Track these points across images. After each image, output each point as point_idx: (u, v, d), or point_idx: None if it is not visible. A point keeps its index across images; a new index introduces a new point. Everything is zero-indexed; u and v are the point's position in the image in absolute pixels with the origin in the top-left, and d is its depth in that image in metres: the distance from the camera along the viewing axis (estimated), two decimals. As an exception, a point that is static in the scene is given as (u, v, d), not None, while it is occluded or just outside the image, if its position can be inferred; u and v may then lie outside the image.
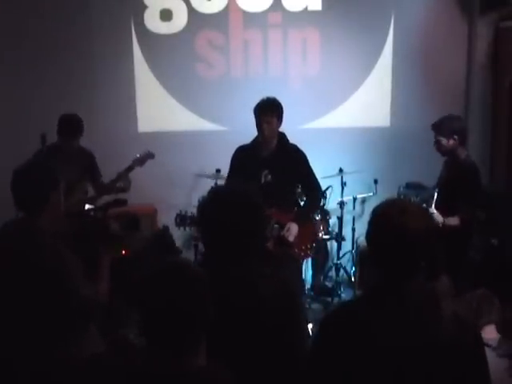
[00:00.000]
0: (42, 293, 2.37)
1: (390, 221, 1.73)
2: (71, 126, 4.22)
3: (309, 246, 4.11)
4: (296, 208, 4.17)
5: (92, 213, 3.97)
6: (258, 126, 3.92)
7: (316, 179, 4.14)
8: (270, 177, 3.96)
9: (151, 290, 1.59)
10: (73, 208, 3.91)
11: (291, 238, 3.89)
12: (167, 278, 1.59)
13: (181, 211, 4.27)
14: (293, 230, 3.91)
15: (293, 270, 3.99)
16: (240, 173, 3.94)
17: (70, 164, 4.16)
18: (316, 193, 4.22)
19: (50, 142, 4.26)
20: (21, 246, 2.44)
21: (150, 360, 1.58)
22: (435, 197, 3.77)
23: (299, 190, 4.24)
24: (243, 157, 4.05)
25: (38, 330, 2.39)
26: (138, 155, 4.52)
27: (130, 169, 4.44)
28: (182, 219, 4.29)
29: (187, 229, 4.28)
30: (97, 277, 2.59)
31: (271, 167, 3.96)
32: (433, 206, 3.72)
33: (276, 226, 3.91)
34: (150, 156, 4.55)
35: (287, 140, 4.07)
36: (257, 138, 4.03)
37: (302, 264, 4.37)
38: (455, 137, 3.79)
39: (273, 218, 3.85)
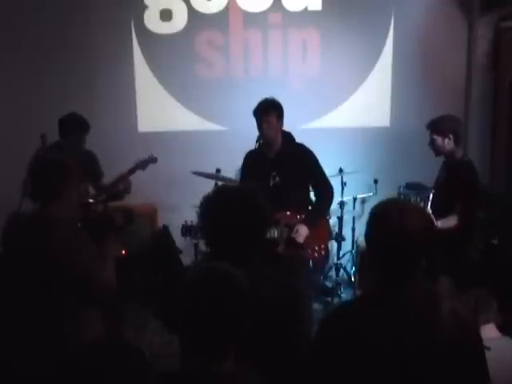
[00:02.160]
0: (55, 279, 2.46)
1: (388, 221, 1.73)
2: (78, 125, 4.23)
3: (323, 246, 4.01)
4: (309, 208, 4.05)
5: (93, 206, 4.00)
6: (259, 126, 3.92)
7: (325, 177, 4.04)
8: (277, 179, 3.91)
9: (192, 292, 1.60)
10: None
11: (300, 240, 3.84)
12: (208, 282, 1.60)
13: (186, 222, 4.31)
14: (301, 231, 3.84)
15: (300, 271, 3.88)
16: (250, 177, 3.90)
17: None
18: (326, 192, 4.06)
19: (48, 143, 4.26)
20: (34, 233, 2.53)
21: (182, 361, 1.59)
22: (430, 198, 3.78)
23: (309, 190, 4.15)
24: (251, 161, 4.03)
25: (51, 314, 2.49)
26: (140, 159, 4.52)
27: (131, 171, 4.44)
28: (187, 230, 4.32)
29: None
30: (103, 267, 2.66)
31: (278, 168, 3.91)
32: (428, 207, 3.72)
33: (285, 228, 3.86)
34: (152, 160, 4.57)
35: (293, 139, 4.02)
36: (260, 140, 4.02)
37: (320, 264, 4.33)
38: (450, 136, 3.80)
39: (281, 221, 3.82)
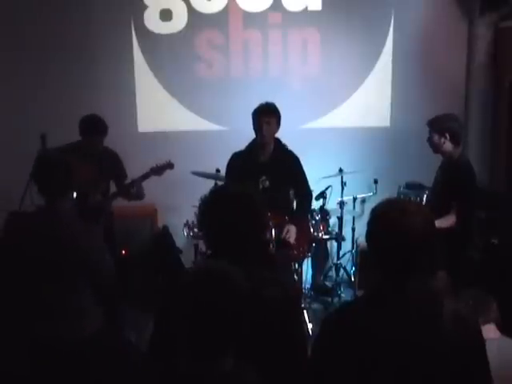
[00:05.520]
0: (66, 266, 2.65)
1: (389, 221, 1.73)
2: (96, 126, 4.21)
3: (306, 248, 4.15)
4: (290, 212, 4.17)
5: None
6: (257, 127, 3.92)
7: (308, 185, 4.18)
8: (267, 182, 3.99)
9: (191, 293, 1.60)
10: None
11: (292, 240, 3.91)
12: (206, 282, 1.60)
13: (187, 221, 4.35)
14: (292, 231, 3.93)
15: (288, 271, 4.04)
16: (237, 179, 3.92)
17: (91, 164, 4.14)
18: (308, 198, 4.26)
19: (68, 142, 4.25)
20: (47, 224, 2.71)
21: (183, 360, 1.60)
22: (424, 198, 3.81)
23: (292, 194, 4.26)
24: (240, 163, 4.05)
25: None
26: (156, 164, 4.30)
27: (145, 176, 4.27)
28: (189, 229, 4.37)
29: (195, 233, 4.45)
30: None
31: (269, 173, 3.99)
32: None
33: (274, 229, 3.91)
34: (169, 166, 4.33)
35: (283, 145, 4.10)
36: (252, 142, 4.04)
37: (301, 264, 4.39)
38: (446, 135, 3.82)
39: (271, 221, 3.86)
